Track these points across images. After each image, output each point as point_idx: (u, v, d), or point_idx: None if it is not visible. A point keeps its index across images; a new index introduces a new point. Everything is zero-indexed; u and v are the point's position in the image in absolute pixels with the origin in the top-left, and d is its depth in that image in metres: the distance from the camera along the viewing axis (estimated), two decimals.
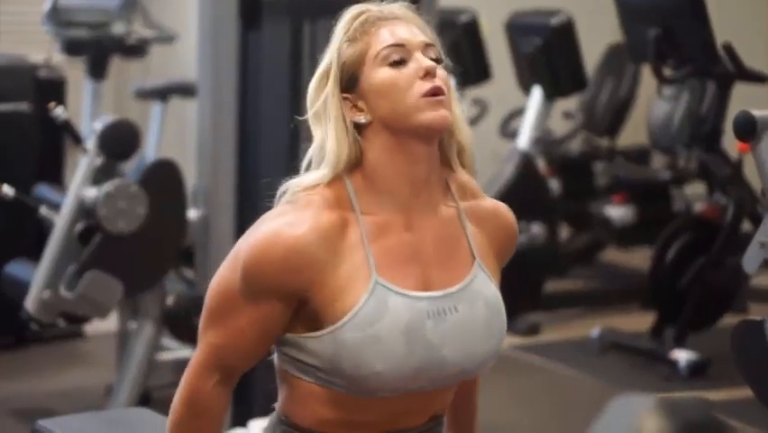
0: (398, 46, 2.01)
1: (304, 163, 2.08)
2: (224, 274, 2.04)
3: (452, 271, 2.06)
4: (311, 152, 2.07)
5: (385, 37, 2.02)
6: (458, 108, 2.07)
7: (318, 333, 1.99)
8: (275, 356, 2.10)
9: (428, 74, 2.00)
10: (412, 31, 2.04)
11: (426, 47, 2.04)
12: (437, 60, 2.04)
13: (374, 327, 1.96)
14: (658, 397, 1.28)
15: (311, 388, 2.04)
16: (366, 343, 1.96)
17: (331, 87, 2.04)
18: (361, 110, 2.03)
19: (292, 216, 2.00)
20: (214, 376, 2.05)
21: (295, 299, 1.99)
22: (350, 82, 2.03)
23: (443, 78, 2.03)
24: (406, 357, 1.98)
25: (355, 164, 2.03)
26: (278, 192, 2.06)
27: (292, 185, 2.05)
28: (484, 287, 2.07)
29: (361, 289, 1.98)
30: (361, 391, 2.01)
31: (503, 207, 2.18)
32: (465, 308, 2.04)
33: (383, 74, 2.01)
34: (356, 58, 2.03)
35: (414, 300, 2.00)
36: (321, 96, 2.04)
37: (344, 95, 2.04)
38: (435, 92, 2.00)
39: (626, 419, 1.26)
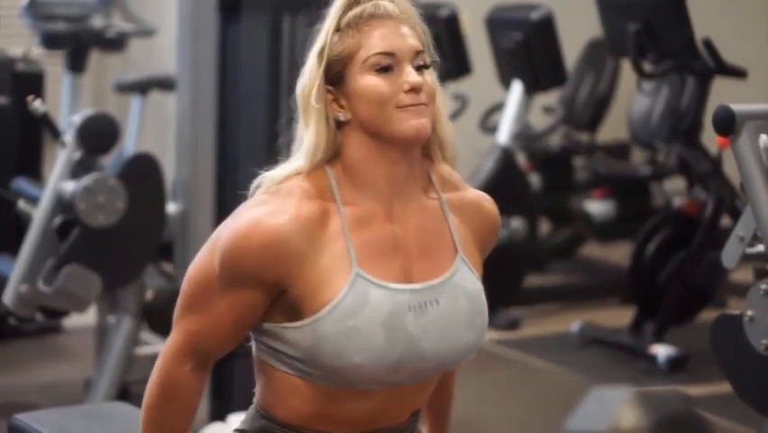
0: (388, 54, 2.00)
1: (293, 150, 2.08)
2: (203, 261, 2.03)
3: (433, 264, 2.05)
4: (296, 142, 2.07)
5: (376, 42, 2.00)
6: (441, 104, 2.06)
7: (298, 323, 1.98)
8: (253, 347, 2.09)
9: (413, 90, 1.99)
10: (403, 35, 2.02)
11: (416, 55, 2.02)
12: (425, 66, 2.03)
13: (354, 320, 1.96)
14: (634, 389, 1.29)
15: (289, 380, 2.03)
16: (346, 335, 1.95)
17: (318, 78, 2.02)
18: (342, 107, 2.02)
19: (273, 205, 1.99)
20: (189, 362, 2.04)
21: (274, 288, 1.98)
22: (335, 77, 2.02)
23: (430, 85, 2.02)
24: (386, 350, 1.97)
25: (334, 157, 2.03)
26: (254, 184, 2.06)
27: (267, 177, 2.04)
28: (466, 280, 2.07)
29: (341, 281, 1.97)
30: (341, 382, 2.00)
31: (486, 199, 2.18)
32: (446, 302, 2.04)
33: (368, 81, 2.00)
34: (344, 55, 2.01)
35: (394, 293, 2.00)
36: (311, 86, 2.02)
37: (328, 87, 2.03)
38: (417, 105, 2.00)
39: (602, 411, 1.26)
